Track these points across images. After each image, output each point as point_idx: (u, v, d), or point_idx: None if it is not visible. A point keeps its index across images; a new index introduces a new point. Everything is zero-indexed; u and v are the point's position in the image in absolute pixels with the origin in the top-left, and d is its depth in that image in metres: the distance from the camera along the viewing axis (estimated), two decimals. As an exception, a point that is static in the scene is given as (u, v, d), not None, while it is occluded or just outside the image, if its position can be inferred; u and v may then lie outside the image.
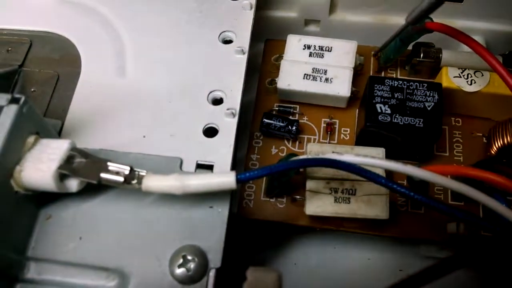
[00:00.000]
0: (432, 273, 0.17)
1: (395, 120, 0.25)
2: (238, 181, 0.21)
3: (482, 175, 0.21)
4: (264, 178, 0.29)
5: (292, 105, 0.31)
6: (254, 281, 0.17)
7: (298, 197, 0.27)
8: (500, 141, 0.26)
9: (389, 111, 0.26)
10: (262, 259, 0.31)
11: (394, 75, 0.31)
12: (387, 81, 0.26)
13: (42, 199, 0.23)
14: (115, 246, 0.22)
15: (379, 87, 0.26)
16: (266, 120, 0.29)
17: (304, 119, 0.30)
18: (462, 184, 0.21)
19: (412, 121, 0.25)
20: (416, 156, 0.28)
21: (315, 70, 0.29)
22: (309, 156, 0.22)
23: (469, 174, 0.21)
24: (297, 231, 0.31)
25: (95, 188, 0.23)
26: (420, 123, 0.25)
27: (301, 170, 0.28)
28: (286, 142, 0.30)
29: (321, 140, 0.30)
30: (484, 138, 0.29)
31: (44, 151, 0.21)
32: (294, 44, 0.30)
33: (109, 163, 0.21)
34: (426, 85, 0.26)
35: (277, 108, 0.31)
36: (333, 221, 0.27)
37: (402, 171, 0.22)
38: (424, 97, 0.26)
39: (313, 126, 0.30)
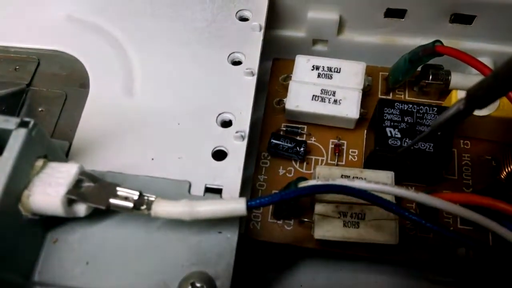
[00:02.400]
0: None
1: (405, 145, 0.25)
2: (248, 208, 0.21)
3: (493, 203, 0.21)
4: (272, 200, 0.28)
5: (299, 125, 0.30)
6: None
7: (306, 219, 0.27)
8: (510, 167, 0.26)
9: (399, 135, 0.25)
10: (269, 280, 0.31)
11: (402, 97, 0.31)
12: (397, 104, 0.26)
13: (49, 223, 0.22)
14: (122, 272, 0.22)
15: (389, 110, 0.26)
16: (274, 141, 0.29)
17: (311, 140, 0.30)
18: (472, 212, 0.21)
19: (422, 145, 0.25)
20: (426, 179, 0.28)
21: (323, 92, 0.29)
22: (319, 182, 0.22)
23: (479, 202, 0.21)
24: (304, 254, 0.31)
25: (102, 212, 0.23)
26: (431, 148, 0.25)
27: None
28: (293, 163, 0.30)
29: (329, 161, 0.29)
30: (493, 161, 0.29)
31: (53, 175, 0.21)
32: (303, 65, 0.30)
33: (118, 188, 0.21)
34: (436, 109, 0.26)
35: (284, 128, 0.30)
36: (340, 244, 0.27)
37: (413, 199, 0.22)
38: (434, 121, 0.26)
39: (321, 147, 0.30)
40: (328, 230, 0.25)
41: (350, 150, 0.30)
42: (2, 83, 0.27)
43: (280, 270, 0.31)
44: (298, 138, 0.30)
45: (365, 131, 0.30)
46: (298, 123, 0.30)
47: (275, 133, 0.29)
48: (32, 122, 0.21)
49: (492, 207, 0.21)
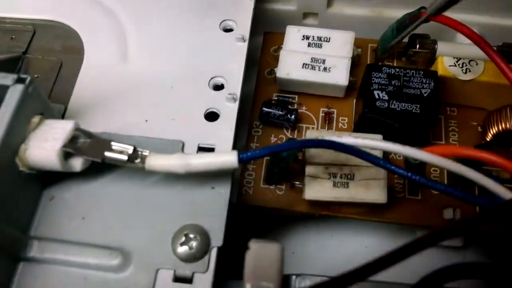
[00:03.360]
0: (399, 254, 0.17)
1: (392, 106, 0.26)
2: (240, 160, 0.21)
3: (480, 155, 0.21)
4: (264, 166, 0.29)
5: (290, 95, 0.31)
6: (257, 250, 0.17)
7: (297, 183, 0.28)
8: (495, 128, 0.27)
9: (386, 98, 0.26)
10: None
11: (391, 66, 0.32)
12: (384, 68, 0.27)
13: (45, 180, 0.23)
14: (117, 225, 0.22)
15: (377, 74, 0.27)
16: (265, 109, 0.30)
17: (302, 109, 0.31)
18: (461, 165, 0.22)
19: (409, 107, 0.26)
20: (413, 142, 0.28)
21: (313, 60, 0.29)
22: (310, 137, 0.22)
23: (466, 154, 0.22)
24: (295, 219, 0.32)
25: (97, 169, 0.23)
26: (417, 109, 0.26)
27: (299, 157, 0.28)
28: (285, 131, 0.30)
29: (319, 128, 0.30)
30: (479, 127, 0.29)
31: (49, 131, 0.21)
32: (293, 35, 0.30)
33: (112, 143, 0.22)
34: (422, 72, 0.27)
35: (276, 98, 0.31)
36: (331, 207, 0.28)
37: (401, 152, 0.22)
38: (420, 84, 0.27)
39: (312, 116, 0.31)
40: (318, 190, 0.26)
41: (340, 118, 0.30)
42: (-2, 50, 0.28)
43: (272, 238, 0.32)
44: (289, 107, 0.30)
45: (355, 100, 0.31)
46: (289, 93, 0.31)
47: (266, 101, 0.30)
48: (28, 79, 0.21)
49: (479, 158, 0.21)
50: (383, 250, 0.31)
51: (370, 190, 0.26)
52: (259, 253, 0.17)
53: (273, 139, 0.30)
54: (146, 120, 0.25)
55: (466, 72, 0.28)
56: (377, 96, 0.26)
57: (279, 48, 0.31)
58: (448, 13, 0.31)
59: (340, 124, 0.30)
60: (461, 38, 0.31)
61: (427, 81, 0.27)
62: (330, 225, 0.31)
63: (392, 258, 0.17)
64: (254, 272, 0.16)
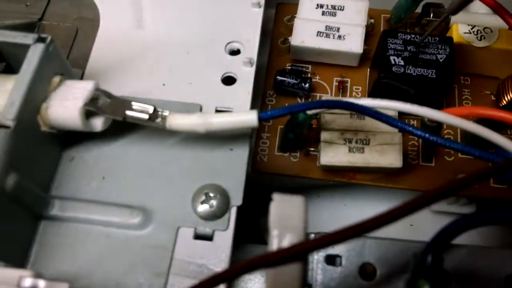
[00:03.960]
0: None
1: (408, 71, 0.26)
2: (260, 118, 0.21)
3: (498, 114, 0.21)
4: (278, 134, 0.29)
5: (304, 65, 0.31)
6: (281, 202, 0.17)
7: (312, 149, 0.28)
8: (509, 95, 0.27)
9: (402, 63, 0.26)
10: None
11: (404, 36, 0.32)
12: (400, 34, 0.27)
13: (65, 141, 0.23)
14: (138, 185, 0.22)
15: (393, 40, 0.27)
16: (279, 77, 0.30)
17: (316, 78, 0.31)
18: (478, 125, 0.22)
19: (425, 72, 0.26)
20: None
21: (328, 28, 0.29)
22: (328, 98, 0.22)
23: (484, 114, 0.22)
24: (309, 189, 0.32)
25: (117, 131, 0.23)
26: (433, 74, 0.26)
27: (314, 126, 0.28)
28: (298, 100, 0.30)
29: (333, 96, 0.30)
30: (492, 96, 0.30)
31: (69, 91, 0.22)
32: (307, 4, 0.30)
33: (133, 103, 0.22)
34: (437, 38, 0.27)
35: (289, 68, 0.31)
36: (345, 173, 0.28)
37: (418, 113, 0.22)
38: (436, 49, 0.27)
39: (325, 85, 0.31)
40: (334, 156, 0.26)
41: (354, 87, 0.30)
42: (13, 18, 0.28)
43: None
44: (303, 76, 0.30)
45: (368, 69, 0.31)
46: (302, 62, 0.31)
47: (280, 70, 0.30)
48: (49, 38, 0.21)
49: (496, 118, 0.22)
50: (395, 218, 0.31)
51: (385, 155, 0.26)
52: (283, 204, 0.17)
53: (286, 108, 0.30)
54: (164, 84, 0.25)
55: (480, 39, 0.28)
56: (393, 62, 0.26)
57: (293, 17, 0.31)
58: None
59: (354, 93, 0.30)
60: (474, 7, 0.31)
61: (443, 47, 0.27)
62: (343, 194, 0.32)
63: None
64: (280, 221, 0.16)
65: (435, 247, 0.17)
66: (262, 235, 0.31)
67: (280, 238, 0.16)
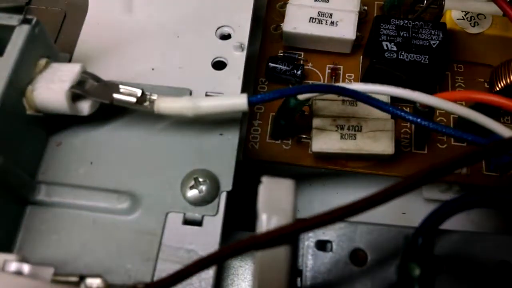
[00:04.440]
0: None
1: (401, 57, 0.26)
2: (250, 102, 0.21)
3: (490, 98, 0.21)
4: (270, 121, 0.29)
5: (296, 52, 0.31)
6: (269, 183, 0.17)
7: (304, 136, 0.28)
8: (502, 81, 0.27)
9: (395, 49, 0.26)
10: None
11: (397, 23, 0.32)
12: (393, 20, 0.27)
13: (51, 126, 0.23)
14: (126, 170, 0.22)
15: (385, 26, 0.27)
16: (271, 64, 0.29)
17: (308, 66, 0.30)
18: (470, 109, 0.22)
19: (418, 57, 0.26)
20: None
21: (320, 14, 0.29)
22: (319, 83, 0.22)
23: (477, 98, 0.22)
24: (300, 177, 0.31)
25: (105, 115, 0.23)
26: (426, 60, 0.26)
27: (306, 113, 0.28)
28: (290, 86, 0.30)
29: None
30: (486, 84, 0.29)
31: (56, 73, 0.21)
32: (300, -11, 0.30)
33: (120, 86, 0.21)
34: (431, 24, 0.27)
35: (281, 55, 0.31)
36: (337, 161, 0.28)
37: (411, 97, 0.22)
38: (429, 35, 0.26)
39: (318, 72, 0.30)
40: (326, 142, 0.26)
41: (347, 75, 0.30)
42: (0, 1, 0.27)
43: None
44: (295, 63, 0.30)
45: (361, 57, 0.30)
46: (295, 49, 0.31)
47: (272, 56, 0.30)
48: (35, 19, 0.21)
49: (489, 102, 0.21)
50: (387, 206, 0.31)
51: (378, 141, 0.26)
52: (272, 187, 0.17)
53: (278, 95, 0.30)
54: (153, 69, 0.25)
55: (474, 26, 0.28)
56: (385, 47, 0.26)
57: (285, 4, 0.31)
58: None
59: (346, 81, 0.30)
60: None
61: (436, 33, 0.26)
62: (335, 182, 0.31)
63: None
64: (268, 203, 0.16)
65: (425, 230, 0.17)
66: (254, 223, 0.31)
67: (268, 221, 0.16)
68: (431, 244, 0.17)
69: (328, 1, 0.30)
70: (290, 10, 0.29)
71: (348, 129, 0.26)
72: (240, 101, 0.21)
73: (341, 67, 0.30)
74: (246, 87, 0.29)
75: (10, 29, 0.21)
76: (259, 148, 0.28)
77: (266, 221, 0.16)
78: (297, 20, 0.29)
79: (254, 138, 0.29)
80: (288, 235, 0.15)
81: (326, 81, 0.30)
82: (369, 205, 0.16)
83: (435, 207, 0.17)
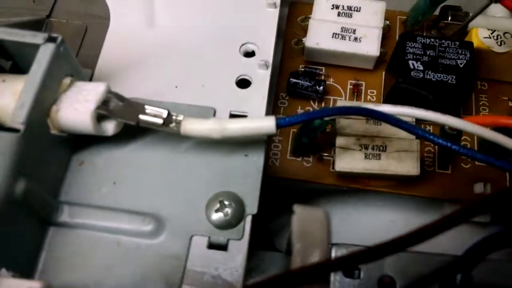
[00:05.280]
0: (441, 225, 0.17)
1: (428, 77, 0.25)
2: (278, 125, 0.21)
3: (522, 123, 0.21)
4: (290, 138, 0.28)
5: (318, 67, 0.30)
6: (303, 215, 0.16)
7: (326, 154, 0.27)
8: (528, 102, 0.26)
9: (421, 68, 0.26)
10: (285, 222, 0.31)
11: (420, 39, 0.31)
12: (419, 38, 0.26)
13: (74, 145, 0.22)
14: (150, 191, 0.22)
15: (411, 44, 0.26)
16: (293, 80, 0.29)
17: (330, 81, 0.30)
18: (501, 135, 0.21)
19: (445, 77, 0.25)
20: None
21: (344, 29, 0.29)
22: (347, 104, 0.22)
23: (505, 123, 0.21)
24: (320, 193, 0.31)
25: (128, 135, 0.23)
26: (453, 80, 0.25)
27: (327, 129, 0.28)
28: (312, 102, 0.30)
29: (347, 100, 0.29)
30: (510, 102, 0.29)
31: (80, 93, 0.21)
32: (322, 4, 0.30)
33: (146, 106, 0.21)
34: (458, 43, 0.26)
35: (302, 70, 0.30)
36: (360, 180, 0.27)
37: (441, 121, 0.22)
38: (456, 54, 0.26)
39: (339, 88, 0.30)
40: (349, 162, 0.26)
41: (369, 91, 0.30)
42: (20, 14, 0.27)
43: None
44: (317, 78, 0.30)
45: (384, 72, 0.30)
46: (316, 64, 0.30)
47: (294, 72, 0.29)
48: (60, 38, 0.20)
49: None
50: (408, 224, 0.31)
51: (403, 162, 0.25)
52: (306, 217, 0.16)
53: (299, 111, 0.29)
54: (176, 86, 0.24)
55: (501, 44, 0.27)
56: (412, 66, 0.26)
57: (307, 18, 0.30)
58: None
59: (368, 97, 0.30)
60: (492, 10, 0.30)
61: (463, 52, 0.26)
62: (355, 199, 0.31)
63: (430, 231, 0.16)
64: (302, 235, 0.16)
65: (464, 266, 0.16)
66: (271, 240, 0.30)
67: (303, 253, 0.16)
68: (470, 279, 0.17)
69: (352, 16, 0.29)
70: (312, 25, 0.29)
71: (373, 148, 0.26)
72: (268, 124, 0.20)
73: (363, 83, 0.30)
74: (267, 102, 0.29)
75: (34, 47, 0.20)
76: (279, 165, 0.28)
77: (301, 253, 0.16)
78: (319, 36, 0.29)
79: (275, 154, 0.28)
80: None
81: (348, 97, 0.30)
82: (406, 244, 0.15)
83: (475, 242, 0.17)
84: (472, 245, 0.17)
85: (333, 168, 0.26)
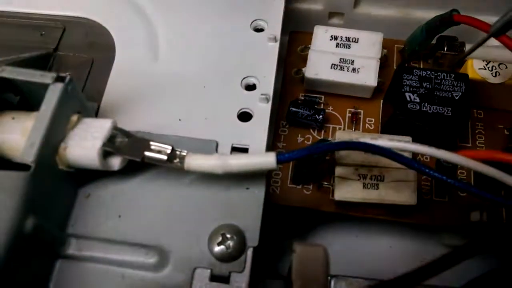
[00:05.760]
0: (449, 260, 0.17)
1: (424, 109, 0.26)
2: (278, 161, 0.21)
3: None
4: (291, 166, 0.29)
5: (317, 95, 0.31)
6: (303, 253, 0.17)
7: (325, 183, 0.28)
8: (523, 132, 0.27)
9: (418, 100, 0.26)
10: (286, 247, 0.32)
11: (417, 68, 0.32)
12: (416, 71, 0.27)
13: (81, 179, 0.23)
14: (154, 224, 0.22)
15: (408, 76, 0.27)
16: (293, 109, 0.30)
17: (329, 109, 0.31)
18: (495, 169, 0.22)
19: (441, 109, 0.26)
20: (441, 145, 0.28)
21: (342, 60, 0.29)
22: (346, 139, 0.22)
23: (502, 159, 0.22)
24: (320, 220, 0.32)
25: (133, 169, 0.23)
26: (449, 112, 0.26)
27: (327, 158, 0.28)
28: (311, 131, 0.30)
29: (346, 129, 0.30)
30: (505, 130, 0.30)
31: (88, 130, 0.22)
32: (321, 35, 0.30)
33: (151, 142, 0.22)
34: (453, 75, 0.27)
35: (302, 98, 0.31)
36: (358, 208, 0.28)
37: (436, 155, 0.22)
38: (451, 87, 0.27)
39: (338, 116, 0.31)
40: (348, 191, 0.26)
41: (367, 119, 0.30)
42: (28, 47, 0.28)
43: (297, 237, 0.32)
44: (316, 107, 0.30)
45: (382, 101, 0.31)
46: (316, 92, 0.31)
47: (294, 101, 0.30)
48: (68, 77, 0.21)
49: (510, 162, 0.22)
50: (406, 250, 0.31)
51: (400, 192, 0.26)
52: (305, 255, 0.17)
53: (299, 139, 0.30)
54: (180, 119, 0.25)
55: (495, 75, 0.28)
56: (408, 99, 0.26)
57: (306, 48, 0.31)
58: (476, 16, 0.31)
59: (366, 125, 0.30)
60: (488, 41, 0.31)
61: (459, 84, 0.27)
62: (354, 225, 0.32)
63: (443, 264, 0.17)
64: (301, 273, 0.16)
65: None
66: (275, 269, 0.31)
67: (302, 292, 0.16)
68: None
69: (350, 47, 0.30)
70: (312, 56, 0.30)
71: (371, 178, 0.26)
72: (268, 160, 0.21)
73: (362, 111, 0.31)
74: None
75: (44, 86, 0.21)
76: (280, 192, 0.29)
77: (300, 291, 0.16)
78: (319, 67, 0.30)
79: (275, 182, 0.29)
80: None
81: (346, 125, 0.30)
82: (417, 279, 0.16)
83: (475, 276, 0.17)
84: (473, 279, 0.18)
85: (332, 196, 0.27)
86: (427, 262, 0.16)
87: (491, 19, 0.31)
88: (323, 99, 0.31)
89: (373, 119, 0.30)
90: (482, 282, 0.17)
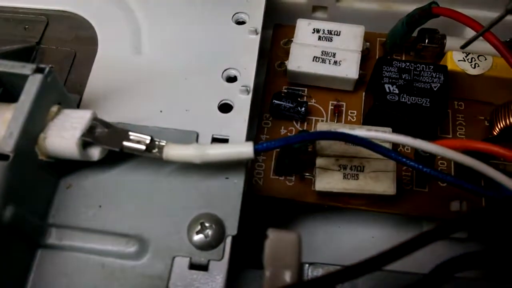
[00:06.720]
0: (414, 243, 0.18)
1: (403, 100, 0.26)
2: (255, 151, 0.22)
3: (490, 148, 0.22)
4: (274, 158, 0.29)
5: (300, 88, 0.31)
6: (275, 239, 0.17)
7: (307, 174, 0.28)
8: (502, 123, 0.27)
9: (397, 91, 0.27)
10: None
11: (399, 60, 0.32)
12: (395, 62, 0.27)
13: (62, 169, 0.23)
14: (134, 214, 0.23)
15: (387, 68, 0.27)
16: (275, 101, 0.30)
17: (312, 102, 0.31)
18: (472, 158, 0.22)
19: (419, 100, 0.26)
20: (421, 136, 0.29)
21: (324, 53, 0.30)
22: (324, 129, 0.23)
23: (476, 147, 0.22)
24: (303, 210, 0.32)
25: (113, 159, 0.24)
26: (427, 103, 0.26)
27: (309, 149, 0.29)
28: (294, 123, 0.31)
29: (328, 121, 0.30)
30: (486, 121, 0.30)
31: (67, 120, 0.22)
32: (304, 28, 0.31)
33: (130, 133, 0.22)
34: (432, 67, 0.27)
35: (285, 91, 0.31)
36: (340, 198, 0.28)
37: (413, 145, 0.23)
38: (430, 78, 0.27)
39: (321, 108, 0.31)
40: (329, 182, 0.27)
41: (349, 111, 0.31)
42: (12, 41, 0.28)
43: (280, 227, 0.32)
44: (299, 99, 0.31)
45: (364, 93, 0.31)
46: (299, 85, 0.31)
47: (277, 93, 0.30)
48: (47, 68, 0.21)
49: (488, 151, 0.22)
50: (389, 240, 0.32)
51: (380, 182, 0.26)
52: (278, 242, 0.17)
53: (283, 131, 0.31)
54: (161, 111, 0.25)
55: (475, 67, 0.28)
56: (387, 90, 0.27)
57: (289, 41, 0.31)
58: (458, 8, 0.32)
59: (349, 117, 0.31)
60: (469, 33, 0.31)
61: (437, 75, 0.27)
62: (337, 216, 0.32)
63: (404, 249, 0.17)
64: (273, 259, 0.17)
65: (431, 284, 0.17)
66: (257, 258, 0.31)
67: (274, 278, 0.16)
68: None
69: (332, 40, 0.30)
70: (294, 49, 0.30)
71: (351, 169, 0.27)
72: (246, 150, 0.21)
73: (344, 103, 0.31)
74: (251, 122, 0.30)
75: (23, 77, 0.21)
76: (263, 184, 0.29)
77: (270, 277, 0.17)
78: (301, 59, 0.30)
79: (258, 174, 0.29)
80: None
81: (329, 118, 0.31)
82: (380, 263, 0.16)
83: (444, 259, 0.18)
84: (440, 263, 0.18)
85: (314, 187, 0.27)
86: (393, 246, 0.16)
87: (470, 11, 0.32)
88: (306, 92, 0.31)
89: (355, 112, 0.31)
90: (449, 266, 0.17)
